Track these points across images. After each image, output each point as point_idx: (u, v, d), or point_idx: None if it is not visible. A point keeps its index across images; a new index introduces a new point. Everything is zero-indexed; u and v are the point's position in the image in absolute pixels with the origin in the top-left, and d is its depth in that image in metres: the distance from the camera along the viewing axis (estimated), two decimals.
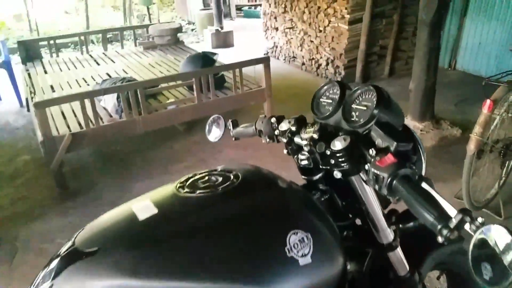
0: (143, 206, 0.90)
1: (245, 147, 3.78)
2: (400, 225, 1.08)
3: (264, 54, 6.73)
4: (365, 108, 1.00)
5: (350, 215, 1.09)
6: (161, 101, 3.79)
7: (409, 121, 3.72)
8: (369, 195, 1.01)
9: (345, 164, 0.91)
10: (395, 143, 0.86)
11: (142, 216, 0.86)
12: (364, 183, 0.97)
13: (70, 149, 3.20)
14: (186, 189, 0.93)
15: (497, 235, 0.65)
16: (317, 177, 1.04)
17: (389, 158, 0.81)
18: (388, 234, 1.06)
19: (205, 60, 4.04)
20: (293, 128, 1.06)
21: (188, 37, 8.71)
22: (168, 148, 3.87)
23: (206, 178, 0.97)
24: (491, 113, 2.28)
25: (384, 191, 0.80)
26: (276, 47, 6.52)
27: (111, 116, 3.56)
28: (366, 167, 0.86)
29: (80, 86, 4.38)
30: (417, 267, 1.18)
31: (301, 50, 5.89)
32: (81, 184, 3.37)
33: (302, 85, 5.36)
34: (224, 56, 4.80)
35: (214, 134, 1.47)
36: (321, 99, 1.14)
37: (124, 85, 3.48)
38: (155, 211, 0.87)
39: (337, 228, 0.98)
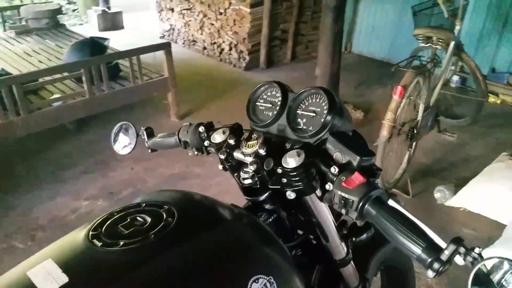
0: (45, 272, 0.62)
1: None
2: (354, 238, 1.01)
3: (160, 38, 6.28)
4: (313, 114, 0.87)
5: (299, 232, 0.98)
6: (44, 98, 3.22)
7: None
8: (323, 211, 0.91)
9: (300, 183, 0.77)
10: (358, 157, 0.73)
11: None
12: (317, 199, 0.83)
13: None
14: (104, 239, 0.68)
15: (494, 265, 0.62)
16: (263, 197, 0.89)
17: (357, 178, 0.69)
18: (341, 249, 0.98)
19: (95, 46, 3.54)
20: (231, 141, 0.88)
21: (70, 19, 7.76)
22: (57, 151, 3.34)
23: (129, 219, 0.74)
24: (401, 99, 2.31)
25: (352, 215, 0.70)
26: (173, 29, 6.12)
27: None
28: (328, 187, 0.73)
29: None
30: (364, 273, 1.13)
31: (202, 34, 5.59)
32: None
33: (206, 72, 5.10)
34: (114, 41, 4.29)
35: (123, 145, 1.21)
36: (257, 103, 0.98)
37: None
38: (63, 279, 0.60)
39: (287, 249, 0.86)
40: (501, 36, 4.18)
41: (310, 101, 0.89)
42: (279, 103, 0.92)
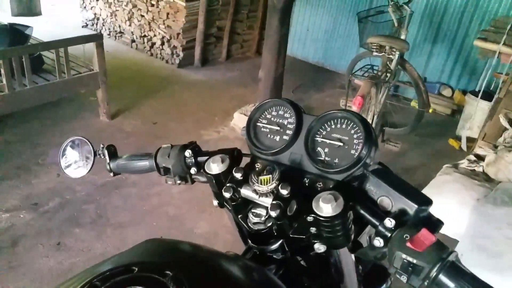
0: None
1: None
2: None
3: (83, 27, 5.74)
4: (339, 143, 0.73)
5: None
6: None
7: None
8: (350, 263, 0.78)
9: (335, 235, 0.62)
10: (415, 206, 0.61)
11: None
12: (346, 250, 0.70)
13: None
14: None
15: None
16: (276, 246, 0.72)
17: (426, 237, 0.55)
18: None
19: (15, 35, 3.06)
20: (238, 176, 0.71)
21: None
22: None
23: None
24: (361, 109, 2.30)
25: (415, 283, 0.55)
26: (98, 19, 5.62)
27: None
28: (378, 243, 0.59)
29: None
30: None
31: (130, 25, 5.20)
32: None
33: (136, 67, 4.75)
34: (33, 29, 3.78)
35: (76, 165, 1.00)
36: (259, 124, 0.82)
37: None
38: None
39: None
40: (433, 47, 4.44)
41: (333, 126, 0.76)
42: (290, 126, 0.79)
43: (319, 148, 0.75)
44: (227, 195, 0.69)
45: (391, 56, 2.70)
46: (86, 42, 3.17)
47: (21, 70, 2.76)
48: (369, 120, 2.66)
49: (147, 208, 2.53)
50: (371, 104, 2.69)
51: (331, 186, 0.69)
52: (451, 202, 2.58)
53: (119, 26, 5.35)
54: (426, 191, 2.74)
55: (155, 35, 4.96)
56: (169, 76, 4.59)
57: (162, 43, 4.91)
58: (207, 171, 0.75)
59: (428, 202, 0.62)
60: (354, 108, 2.30)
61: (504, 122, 2.95)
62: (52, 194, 2.56)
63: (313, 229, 0.63)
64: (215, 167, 0.74)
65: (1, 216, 2.32)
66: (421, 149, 3.65)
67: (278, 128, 0.80)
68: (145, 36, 5.08)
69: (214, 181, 0.75)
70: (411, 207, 0.60)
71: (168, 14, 4.71)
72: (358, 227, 0.65)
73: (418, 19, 4.37)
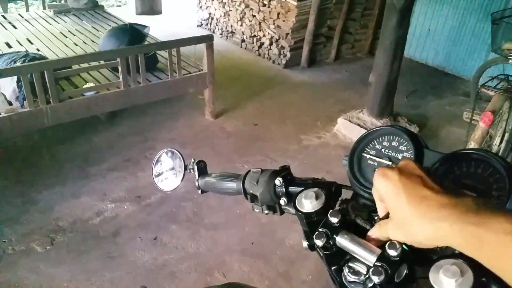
0: None
1: (184, 143, 3.18)
2: None
3: (198, 26, 6.02)
4: (473, 194, 0.57)
5: None
6: (77, 86, 3.00)
7: (367, 118, 3.39)
8: None
9: None
10: None
11: None
12: None
13: None
14: None
15: None
16: None
17: None
18: None
19: (133, 34, 3.28)
20: (334, 221, 0.58)
21: (108, 0, 7.59)
22: (86, 142, 3.13)
23: None
24: (489, 127, 1.95)
25: None
26: (212, 18, 5.83)
27: (10, 104, 2.72)
28: None
29: None
30: None
31: (241, 25, 5.28)
32: None
33: (243, 67, 4.81)
34: (151, 27, 4.04)
35: (167, 177, 0.96)
36: (366, 154, 0.70)
37: (27, 65, 2.65)
38: None
39: None
40: None
41: (465, 169, 0.59)
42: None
43: None
44: (319, 243, 0.58)
45: None
46: (197, 43, 3.26)
47: (136, 68, 2.94)
48: (499, 139, 2.26)
49: (240, 211, 2.50)
50: (501, 120, 2.29)
51: (456, 252, 0.51)
52: None
53: (231, 26, 5.48)
54: None
55: (264, 35, 4.96)
56: (274, 77, 4.56)
57: (271, 43, 4.89)
58: (298, 207, 0.64)
59: None
60: (482, 125, 1.95)
61: None
62: (155, 188, 2.64)
63: None
64: (308, 204, 0.63)
65: (108, 206, 2.49)
66: None
67: (390, 162, 0.67)
68: (254, 36, 5.12)
69: (304, 221, 0.64)
70: None
71: (279, 14, 4.66)
72: None
73: None
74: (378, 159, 0.68)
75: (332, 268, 0.60)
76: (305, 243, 0.63)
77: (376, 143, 0.69)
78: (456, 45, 4.63)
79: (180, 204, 2.54)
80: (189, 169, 0.90)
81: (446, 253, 0.56)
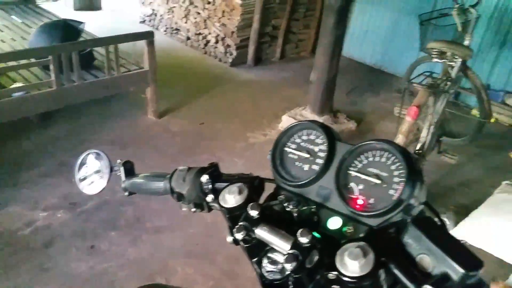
0: None
1: (125, 144, 3.06)
2: None
3: (141, 23, 5.83)
4: (377, 181, 0.62)
5: None
6: (5, 86, 2.79)
7: (309, 114, 3.45)
8: None
9: None
10: (462, 271, 0.48)
11: None
12: None
13: None
14: None
15: None
16: None
17: None
18: None
19: (68, 30, 3.11)
20: (254, 214, 0.60)
21: None
22: (15, 147, 2.92)
23: None
24: (415, 120, 2.06)
25: None
26: (155, 15, 5.68)
27: None
28: None
29: None
30: None
31: (186, 22, 5.19)
32: None
33: (189, 64, 4.73)
34: (89, 23, 3.84)
35: (90, 180, 0.92)
36: (287, 149, 0.73)
37: None
38: None
39: None
40: (499, 53, 4.04)
41: (370, 159, 0.64)
42: (321, 154, 0.68)
43: (352, 184, 0.64)
44: (238, 236, 0.59)
45: (452, 63, 2.42)
46: (136, 40, 3.15)
47: (70, 66, 2.78)
48: (425, 131, 2.40)
49: (185, 213, 2.44)
50: (428, 114, 2.43)
51: (361, 235, 0.59)
52: (508, 224, 2.31)
53: (176, 23, 5.37)
54: (482, 209, 2.49)
55: (209, 33, 4.91)
56: (220, 75, 4.52)
57: (216, 41, 4.84)
58: (222, 203, 0.66)
59: (478, 265, 0.50)
60: (409, 118, 2.06)
61: None
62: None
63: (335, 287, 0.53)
64: (231, 199, 0.65)
65: (39, 215, 2.34)
66: (480, 162, 3.32)
67: (308, 155, 0.70)
68: (200, 33, 5.05)
69: (227, 216, 0.65)
70: (457, 272, 0.48)
71: (223, 12, 4.63)
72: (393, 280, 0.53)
73: (485, 22, 3.96)
74: (298, 153, 0.70)
75: (253, 259, 0.63)
76: (229, 238, 0.64)
77: (296, 137, 0.72)
78: (390, 44, 4.85)
79: (120, 209, 2.44)
80: (115, 171, 0.88)
81: (354, 236, 0.59)
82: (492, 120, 3.93)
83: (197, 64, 4.75)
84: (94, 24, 4.27)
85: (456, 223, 2.45)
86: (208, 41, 4.96)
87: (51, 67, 2.71)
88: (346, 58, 5.33)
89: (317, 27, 5.15)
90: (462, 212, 2.55)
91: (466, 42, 2.84)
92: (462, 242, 0.55)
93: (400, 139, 2.11)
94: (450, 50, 2.38)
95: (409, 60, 3.80)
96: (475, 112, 3.59)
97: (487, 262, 1.97)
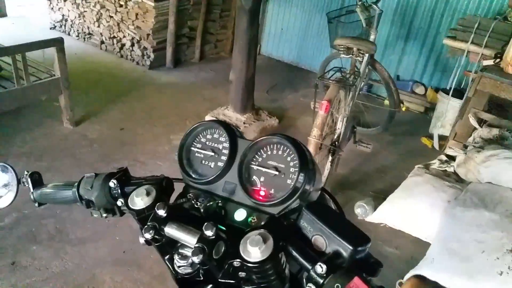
0: None
1: (40, 156, 2.93)
2: None
3: (51, 29, 5.54)
4: (275, 172, 0.68)
5: None
6: None
7: (232, 113, 3.57)
8: None
9: (266, 280, 0.56)
10: (350, 248, 0.54)
11: None
12: None
13: None
14: None
15: None
16: None
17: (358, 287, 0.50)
18: None
19: None
20: (162, 213, 0.62)
21: None
22: None
23: None
24: (328, 114, 2.24)
25: None
26: (66, 20, 5.42)
27: None
28: None
29: None
30: None
31: (99, 26, 5.03)
32: None
33: (105, 69, 4.60)
34: None
35: (0, 196, 0.90)
36: (193, 148, 0.76)
37: None
38: None
39: None
40: (405, 45, 4.41)
41: (269, 152, 0.70)
42: (225, 151, 0.73)
43: (254, 177, 0.69)
44: (147, 236, 0.61)
45: (359, 58, 2.64)
46: (45, 47, 3.03)
47: None
48: (340, 123, 2.61)
49: (110, 221, 2.42)
50: (340, 107, 2.64)
51: (262, 223, 0.63)
52: (422, 204, 2.56)
53: (88, 28, 5.18)
54: (397, 193, 2.72)
55: (124, 36, 4.81)
56: (139, 78, 4.46)
57: (132, 45, 4.76)
58: (131, 205, 0.67)
59: (365, 241, 0.56)
60: (321, 112, 2.24)
61: (473, 122, 2.94)
62: (9, 208, 2.38)
63: (242, 274, 0.57)
64: (139, 201, 0.66)
65: None
66: (394, 148, 3.64)
67: (213, 153, 0.74)
68: (114, 37, 4.93)
69: (137, 218, 0.67)
70: (346, 249, 0.54)
71: (137, 14, 4.57)
72: (292, 268, 0.59)
73: (390, 17, 4.35)
74: (203, 151, 0.75)
75: (166, 257, 0.67)
76: (141, 239, 0.66)
77: (201, 137, 0.76)
78: (305, 42, 5.13)
79: (41, 222, 2.35)
80: (23, 182, 0.87)
81: (257, 225, 0.67)
82: (403, 108, 4.33)
83: (113, 69, 4.64)
84: (2, 35, 3.99)
85: (375, 208, 2.65)
86: (123, 45, 4.86)
87: None
88: (265, 56, 5.55)
89: (233, 27, 5.27)
90: (380, 197, 2.78)
91: (371, 37, 3.10)
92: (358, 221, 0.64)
93: (315, 132, 2.27)
94: (356, 46, 2.56)
95: (323, 56, 4.04)
96: (387, 102, 3.88)
97: (406, 242, 2.23)
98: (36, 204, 0.88)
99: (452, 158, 2.92)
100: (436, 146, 3.61)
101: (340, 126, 2.67)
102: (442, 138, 3.64)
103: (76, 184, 0.79)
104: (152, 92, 4.14)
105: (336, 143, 2.58)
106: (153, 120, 3.61)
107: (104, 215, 0.77)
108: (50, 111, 3.43)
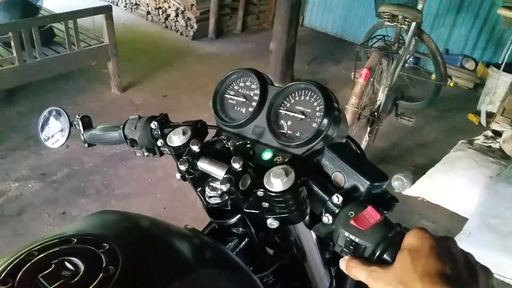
0: None
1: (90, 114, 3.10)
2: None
3: (100, 0, 5.72)
4: (301, 116, 0.71)
5: (270, 252, 0.83)
6: None
7: None
8: (309, 238, 0.77)
9: (287, 210, 0.60)
10: (368, 183, 0.57)
11: None
12: (304, 226, 0.67)
13: None
14: None
15: None
16: (234, 220, 0.72)
17: (372, 215, 0.52)
18: (325, 280, 0.85)
19: (26, 7, 3.08)
20: (195, 148, 0.68)
21: None
22: None
23: (54, 266, 0.49)
24: (367, 82, 2.20)
25: None
26: None
27: None
28: (326, 220, 0.57)
29: None
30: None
31: None
32: None
33: (150, 39, 4.73)
34: (49, 1, 3.79)
35: (53, 136, 0.99)
36: (227, 95, 0.80)
37: None
38: None
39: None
40: (456, 17, 4.20)
41: (297, 98, 0.73)
42: (255, 98, 0.76)
43: (282, 121, 0.73)
44: (182, 167, 0.68)
45: (404, 26, 2.54)
46: (95, 14, 3.16)
47: (31, 42, 2.79)
48: (381, 94, 2.56)
49: (152, 180, 2.56)
50: (382, 77, 2.58)
51: (285, 160, 0.67)
52: (462, 179, 2.50)
53: None
54: (438, 167, 2.66)
55: (169, 7, 4.90)
56: (182, 49, 4.56)
57: (176, 15, 4.85)
58: (168, 143, 0.73)
59: (383, 178, 0.58)
60: (361, 80, 2.21)
61: None
62: (61, 164, 2.62)
63: (265, 204, 0.61)
64: (176, 139, 0.72)
65: (11, 185, 2.40)
66: (439, 124, 3.52)
67: (244, 99, 0.78)
68: (160, 7, 5.03)
69: (174, 153, 0.73)
70: (363, 184, 0.57)
71: None
72: (312, 202, 0.62)
73: None
74: (236, 98, 0.79)
75: (198, 189, 0.72)
76: (178, 175, 0.73)
77: (235, 85, 0.80)
78: (351, 12, 4.99)
79: (89, 177, 2.53)
80: (74, 125, 0.95)
81: (282, 163, 0.70)
82: (451, 83, 4.16)
83: (158, 39, 4.76)
84: (53, 2, 4.19)
85: (413, 182, 2.61)
86: (168, 15, 4.96)
87: (12, 43, 2.71)
88: (308, 28, 5.47)
89: None
90: (420, 172, 2.72)
91: (419, 6, 2.95)
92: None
93: (353, 100, 2.25)
94: (401, 13, 2.46)
95: (367, 27, 3.94)
96: (434, 77, 3.73)
97: (443, 216, 2.19)
98: (86, 145, 0.96)
99: (498, 134, 2.81)
100: (484, 122, 3.46)
101: (381, 97, 2.62)
102: (490, 115, 3.49)
103: (121, 126, 0.86)
104: (194, 62, 4.23)
105: (376, 113, 2.54)
106: (194, 89, 3.70)
107: (146, 153, 0.83)
108: (99, 76, 3.60)
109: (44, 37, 2.95)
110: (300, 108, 0.72)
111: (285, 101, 0.73)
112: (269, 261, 0.80)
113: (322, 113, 0.68)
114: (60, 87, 3.41)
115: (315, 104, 0.71)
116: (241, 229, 0.74)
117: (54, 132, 0.99)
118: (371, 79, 2.47)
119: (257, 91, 0.76)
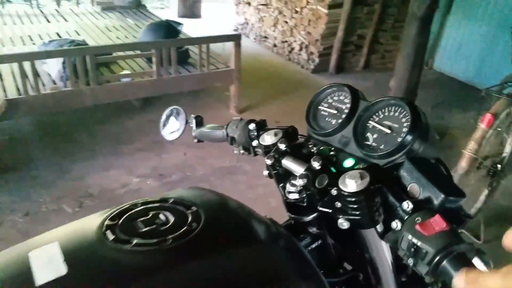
0: (46, 256, 0.55)
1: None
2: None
3: (234, 30, 6.28)
4: (388, 130, 0.73)
5: (346, 266, 0.84)
6: (115, 72, 3.30)
7: None
8: (381, 250, 0.76)
9: (359, 213, 0.61)
10: (442, 195, 0.57)
11: (40, 277, 0.52)
12: (377, 236, 0.67)
13: (5, 117, 2.75)
14: (118, 233, 0.60)
15: None
16: (309, 218, 0.74)
17: (438, 223, 0.53)
18: None
19: (169, 29, 3.57)
20: (282, 146, 0.75)
21: (152, 1, 8.04)
22: (119, 125, 3.42)
23: (151, 215, 0.65)
24: (489, 129, 2.03)
25: (422, 269, 0.54)
26: (247, 23, 6.09)
27: (54, 83, 3.04)
28: (395, 225, 0.58)
29: (24, 44, 3.79)
30: None
31: (274, 31, 5.50)
32: (15, 158, 2.91)
33: (272, 69, 5.01)
34: (189, 28, 4.34)
35: (171, 130, 1.14)
36: (320, 107, 0.86)
37: (71, 49, 2.98)
38: (62, 270, 0.53)
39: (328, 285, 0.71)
40: None
41: (386, 113, 0.75)
42: (346, 110, 0.80)
43: (368, 134, 0.76)
44: (268, 161, 0.75)
45: None
46: (226, 41, 3.50)
47: (168, 60, 3.20)
48: (508, 145, 2.30)
49: (252, 196, 2.67)
50: (511, 127, 2.34)
51: (362, 166, 0.69)
52: None
53: (264, 31, 5.71)
54: None
55: (295, 41, 5.15)
56: (301, 80, 4.72)
57: (300, 49, 5.07)
58: (261, 142, 0.81)
59: (459, 194, 0.58)
60: (482, 126, 2.04)
61: None
62: (176, 169, 2.90)
63: (338, 204, 0.63)
64: (268, 138, 0.80)
65: (133, 180, 2.74)
66: None
67: (336, 112, 0.83)
68: (286, 41, 5.32)
69: (264, 150, 0.81)
70: (437, 196, 0.57)
71: (309, 21, 4.84)
72: (387, 213, 0.62)
73: None
74: (328, 110, 0.84)
75: (280, 185, 0.77)
76: (265, 172, 0.80)
77: (329, 98, 0.86)
78: (487, 60, 4.62)
79: (198, 184, 2.75)
80: (189, 122, 1.08)
81: (354, 166, 0.72)
82: None
83: (280, 69, 5.02)
84: (194, 30, 4.76)
85: None
86: (292, 48, 5.21)
87: (153, 59, 3.15)
88: (437, 72, 5.22)
89: None
90: None
91: None
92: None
93: (471, 146, 2.08)
94: None
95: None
96: None
97: None
98: (195, 140, 1.09)
99: None
100: None
101: (508, 149, 2.37)
102: None
103: (225, 126, 0.98)
104: (311, 94, 4.25)
105: (499, 165, 2.30)
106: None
107: (242, 151, 0.92)
108: (221, 97, 3.92)
109: (180, 57, 3.36)
110: (387, 122, 0.74)
111: (374, 115, 0.76)
112: (339, 269, 0.82)
113: (408, 129, 0.69)
114: (187, 102, 3.81)
115: (403, 120, 0.72)
116: (315, 229, 0.76)
117: (172, 126, 1.14)
118: (498, 128, 2.26)
119: (349, 105, 0.80)
